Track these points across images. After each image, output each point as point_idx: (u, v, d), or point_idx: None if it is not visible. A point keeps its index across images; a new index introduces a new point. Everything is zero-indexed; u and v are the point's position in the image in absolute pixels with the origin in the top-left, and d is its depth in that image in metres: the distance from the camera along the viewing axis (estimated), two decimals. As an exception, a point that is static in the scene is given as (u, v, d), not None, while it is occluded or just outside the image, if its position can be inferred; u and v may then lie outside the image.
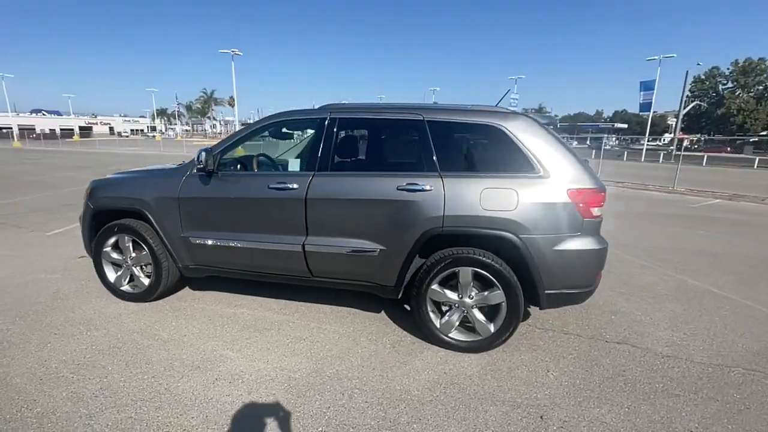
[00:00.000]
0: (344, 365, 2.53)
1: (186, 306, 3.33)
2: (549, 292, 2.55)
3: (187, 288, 3.67)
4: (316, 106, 3.10)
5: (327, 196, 2.75)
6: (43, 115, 73.09)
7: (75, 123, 71.07)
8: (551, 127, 3.10)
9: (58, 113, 77.79)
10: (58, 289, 3.59)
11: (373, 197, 2.68)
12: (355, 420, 2.04)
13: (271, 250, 2.91)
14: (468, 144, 2.79)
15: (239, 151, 3.32)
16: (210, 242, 3.03)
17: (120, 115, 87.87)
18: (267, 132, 3.16)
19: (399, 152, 2.99)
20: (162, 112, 76.80)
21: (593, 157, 18.78)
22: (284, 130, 3.45)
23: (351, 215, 2.74)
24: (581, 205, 2.46)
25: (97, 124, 77.19)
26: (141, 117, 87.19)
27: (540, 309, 2.69)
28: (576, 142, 55.79)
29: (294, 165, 3.19)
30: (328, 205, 2.76)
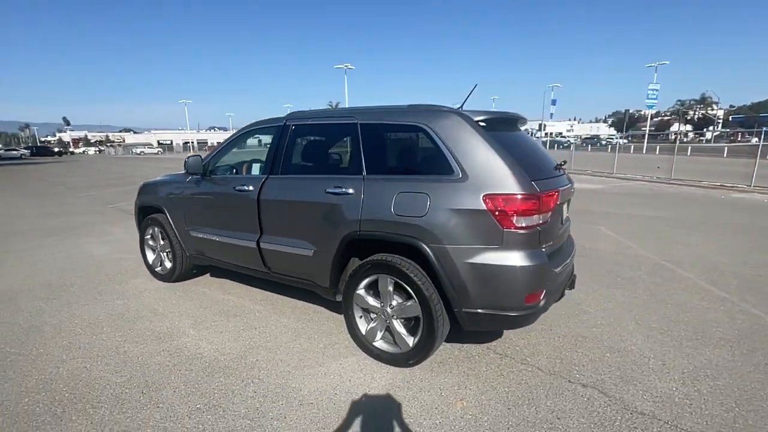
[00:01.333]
0: (266, 356, 2.68)
1: (195, 289, 3.94)
2: (466, 310, 2.24)
3: (208, 274, 4.33)
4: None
5: (273, 198, 2.96)
6: (214, 131, 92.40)
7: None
8: (517, 124, 2.73)
9: (225, 129, 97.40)
10: (125, 267, 4.64)
11: (307, 200, 2.78)
12: (231, 406, 2.18)
13: (238, 246, 3.25)
14: (394, 146, 2.64)
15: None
16: (201, 235, 3.55)
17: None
18: (245, 140, 3.53)
19: (338, 156, 3.01)
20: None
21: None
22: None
23: (292, 216, 2.89)
24: (500, 213, 2.10)
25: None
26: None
27: (464, 328, 2.38)
28: (755, 139, 43.60)
29: (256, 169, 3.49)
30: (274, 206, 2.97)
